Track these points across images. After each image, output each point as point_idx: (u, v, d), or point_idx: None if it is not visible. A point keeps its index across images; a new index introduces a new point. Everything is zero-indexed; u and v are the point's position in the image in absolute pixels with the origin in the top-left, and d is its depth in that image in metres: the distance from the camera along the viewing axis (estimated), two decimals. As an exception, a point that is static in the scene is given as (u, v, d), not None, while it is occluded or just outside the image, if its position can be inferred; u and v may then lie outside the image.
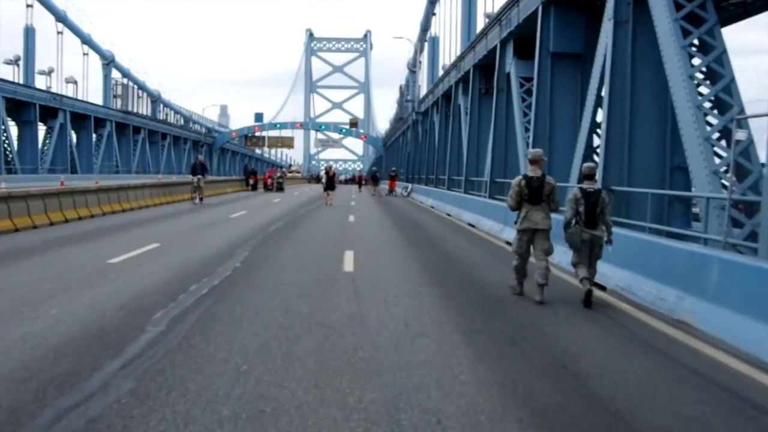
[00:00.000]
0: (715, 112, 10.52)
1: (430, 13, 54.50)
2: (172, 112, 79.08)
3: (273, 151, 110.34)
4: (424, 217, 24.34)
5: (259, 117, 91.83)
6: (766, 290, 6.02)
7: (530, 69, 18.85)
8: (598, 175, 11.61)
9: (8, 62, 49.88)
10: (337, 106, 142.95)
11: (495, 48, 23.14)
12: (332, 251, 12.31)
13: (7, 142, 40.51)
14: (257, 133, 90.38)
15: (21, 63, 50.48)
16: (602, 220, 7.93)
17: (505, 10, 21.22)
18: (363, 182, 55.75)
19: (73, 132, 48.79)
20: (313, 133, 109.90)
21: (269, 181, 46.59)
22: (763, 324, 5.87)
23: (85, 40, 58.54)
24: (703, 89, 10.71)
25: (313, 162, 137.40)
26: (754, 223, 9.14)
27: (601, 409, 4.44)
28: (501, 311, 7.49)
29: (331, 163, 41.92)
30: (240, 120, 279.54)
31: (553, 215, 8.26)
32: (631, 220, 11.31)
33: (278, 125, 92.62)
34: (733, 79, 10.40)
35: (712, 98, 10.61)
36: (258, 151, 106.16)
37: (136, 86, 67.00)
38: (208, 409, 4.14)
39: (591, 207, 7.85)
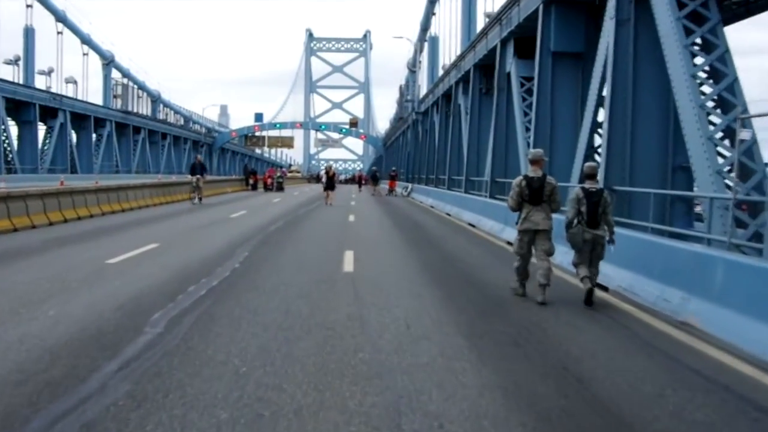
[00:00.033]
0: (718, 111, 10.45)
1: (430, 12, 54.42)
2: (172, 112, 79.03)
3: (273, 150, 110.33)
4: (424, 216, 24.27)
5: (259, 117, 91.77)
6: (772, 291, 5.95)
7: (531, 68, 18.78)
8: (600, 175, 11.54)
9: (8, 62, 49.86)
10: (337, 106, 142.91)
11: (495, 47, 23.07)
12: (332, 251, 12.24)
13: (7, 142, 40.46)
14: (257, 133, 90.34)
15: (21, 63, 50.46)
16: (604, 219, 7.88)
17: (506, 9, 21.15)
18: (363, 182, 55.71)
19: (73, 132, 48.72)
20: (313, 132, 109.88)
21: (269, 180, 46.52)
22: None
23: (85, 40, 58.49)
24: (706, 88, 10.64)
25: (313, 162, 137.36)
26: (758, 223, 9.08)
27: (605, 414, 4.37)
28: (503, 312, 7.42)
29: (331, 162, 41.85)
30: (240, 120, 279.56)
31: (555, 215, 8.19)
32: (633, 220, 11.23)
33: (278, 125, 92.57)
34: (736, 79, 10.33)
35: (715, 97, 10.54)
36: (258, 151, 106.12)
37: (136, 86, 66.94)
38: (206, 412, 4.07)
39: (593, 207, 7.79)
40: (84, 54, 58.80)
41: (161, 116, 73.80)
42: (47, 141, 45.97)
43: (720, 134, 10.16)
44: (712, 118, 10.34)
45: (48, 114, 45.07)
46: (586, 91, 14.99)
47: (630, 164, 12.50)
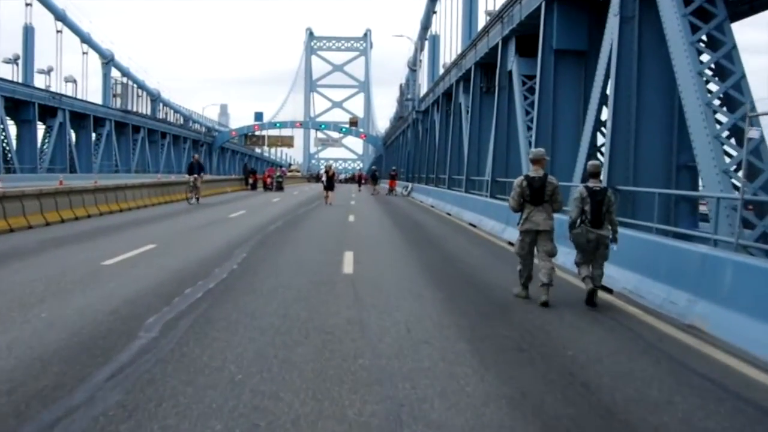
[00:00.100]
0: (725, 109, 10.28)
1: (430, 11, 54.24)
2: (172, 111, 78.93)
3: (273, 150, 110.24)
4: (425, 216, 24.14)
5: (258, 116, 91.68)
6: (782, 294, 5.80)
7: (532, 67, 18.62)
8: (603, 175, 11.39)
9: (7, 61, 49.77)
10: (337, 105, 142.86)
11: (497, 45, 22.90)
12: (332, 252, 12.09)
13: (6, 141, 40.34)
14: (257, 132, 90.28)
15: (20, 62, 50.36)
16: (608, 219, 7.73)
17: (507, 6, 20.99)
18: (363, 181, 55.58)
19: (72, 131, 48.64)
20: (313, 132, 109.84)
21: (269, 180, 46.37)
22: (779, 329, 5.64)
23: (85, 39, 58.37)
24: (712, 86, 10.46)
25: (313, 161, 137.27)
26: (766, 224, 8.91)
27: (615, 423, 4.22)
28: (505, 315, 7.26)
29: (331, 162, 41.64)
30: (240, 119, 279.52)
31: (557, 215, 8.04)
32: (637, 221, 11.06)
33: (278, 124, 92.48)
34: (743, 76, 10.15)
35: (722, 95, 10.37)
36: (258, 150, 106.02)
37: (135, 85, 66.88)
38: (200, 423, 3.91)
39: (597, 206, 7.66)
40: (83, 53, 58.79)
41: (161, 115, 73.72)
42: (46, 140, 45.87)
43: (726, 133, 9.99)
44: (719, 116, 10.18)
45: (47, 113, 44.96)
46: (588, 90, 14.83)
47: (634, 163, 12.35)
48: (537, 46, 17.42)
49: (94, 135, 52.55)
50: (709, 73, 10.63)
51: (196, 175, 27.07)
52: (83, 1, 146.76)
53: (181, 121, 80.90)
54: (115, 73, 63.40)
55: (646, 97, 12.31)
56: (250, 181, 46.95)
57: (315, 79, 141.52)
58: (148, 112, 69.19)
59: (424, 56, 57.71)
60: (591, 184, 7.85)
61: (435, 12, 53.18)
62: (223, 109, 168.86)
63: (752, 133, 8.25)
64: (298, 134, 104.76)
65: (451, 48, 44.75)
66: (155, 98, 72.36)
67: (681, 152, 12.14)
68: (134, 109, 63.64)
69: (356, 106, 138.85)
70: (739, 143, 9.62)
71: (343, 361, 5.23)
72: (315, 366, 5.09)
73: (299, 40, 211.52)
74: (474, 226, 18.91)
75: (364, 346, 5.71)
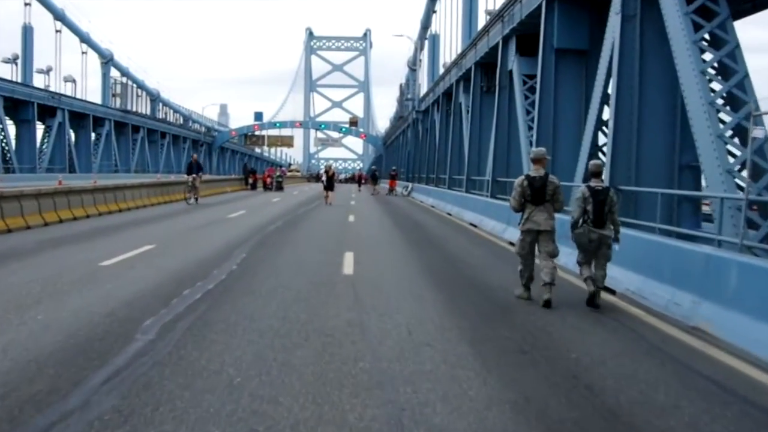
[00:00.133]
0: (728, 108, 10.19)
1: (430, 10, 54.14)
2: (172, 111, 78.86)
3: (273, 150, 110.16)
4: (425, 216, 24.06)
5: (258, 116, 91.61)
6: (789, 296, 5.72)
7: (533, 66, 18.54)
8: (605, 174, 11.31)
9: (6, 61, 49.72)
10: (336, 104, 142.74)
11: (497, 45, 22.81)
12: (332, 253, 12.01)
13: (5, 141, 40.26)
14: (257, 132, 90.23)
15: (19, 61, 50.27)
16: (610, 218, 7.66)
17: (508, 6, 20.91)
18: (363, 181, 55.50)
19: (71, 131, 48.56)
20: (312, 132, 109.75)
21: (269, 180, 46.30)
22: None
23: (84, 39, 58.30)
24: (715, 85, 10.37)
25: (313, 161, 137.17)
26: (771, 224, 8.83)
27: (620, 427, 4.14)
28: (507, 316, 7.18)
29: (331, 162, 41.56)
30: (240, 119, 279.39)
31: (559, 215, 7.96)
32: (639, 221, 10.98)
33: (278, 124, 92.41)
34: (746, 75, 10.06)
35: (725, 94, 10.28)
36: (258, 150, 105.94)
37: (135, 85, 66.82)
38: (197, 428, 3.83)
39: (599, 205, 7.59)
40: (83, 53, 58.74)
41: (160, 115, 73.65)
42: (45, 140, 45.81)
43: (730, 132, 9.90)
44: (722, 115, 10.09)
45: (46, 113, 44.90)
46: (589, 89, 14.74)
47: (636, 163, 12.26)
48: (538, 46, 17.33)
49: (93, 135, 52.50)
50: (712, 71, 10.53)
51: (194, 175, 26.93)
52: (82, 1, 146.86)
53: (181, 121, 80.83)
54: (114, 72, 63.38)
55: (649, 96, 12.23)
56: (250, 181, 46.88)
57: (315, 78, 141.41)
58: (148, 112, 69.13)
59: (424, 56, 57.62)
60: (593, 183, 7.78)
61: (435, 11, 53.07)
62: (223, 109, 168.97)
63: (756, 132, 8.17)
64: (297, 134, 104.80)
65: (451, 47, 44.70)
66: (155, 98, 72.29)
67: (684, 152, 12.06)
68: (134, 109, 63.58)
69: (356, 106, 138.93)
70: (743, 143, 9.53)
71: (343, 365, 5.15)
72: (315, 369, 5.01)
73: (299, 39, 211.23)
74: (475, 226, 18.83)
75: (365, 349, 5.63)
